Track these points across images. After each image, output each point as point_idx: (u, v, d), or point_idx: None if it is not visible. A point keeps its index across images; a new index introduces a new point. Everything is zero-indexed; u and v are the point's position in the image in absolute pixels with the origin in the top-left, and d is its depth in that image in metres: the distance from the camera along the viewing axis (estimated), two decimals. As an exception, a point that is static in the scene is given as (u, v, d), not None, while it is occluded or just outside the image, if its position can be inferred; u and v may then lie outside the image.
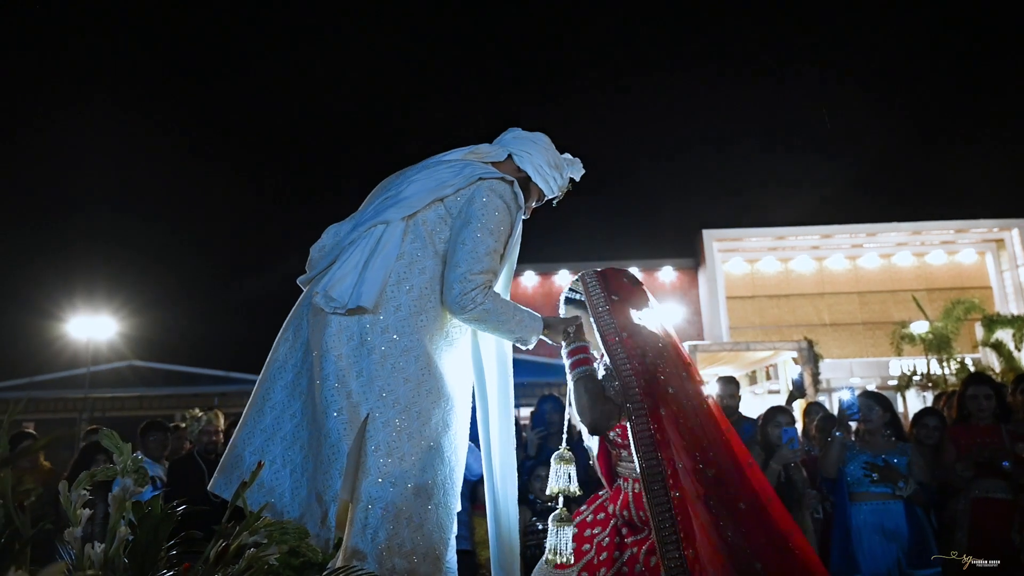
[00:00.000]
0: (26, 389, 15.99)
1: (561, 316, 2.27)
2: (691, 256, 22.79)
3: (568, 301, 2.26)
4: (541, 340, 2.19)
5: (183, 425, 5.61)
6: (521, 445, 4.73)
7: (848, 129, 52.96)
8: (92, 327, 17.55)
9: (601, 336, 2.05)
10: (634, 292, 2.17)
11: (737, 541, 1.81)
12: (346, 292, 1.92)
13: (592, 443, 2.22)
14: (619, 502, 2.12)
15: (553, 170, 2.27)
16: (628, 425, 1.95)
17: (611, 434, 2.11)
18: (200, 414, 5.22)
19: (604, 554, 2.04)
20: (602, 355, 2.13)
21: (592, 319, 2.10)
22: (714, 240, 21.88)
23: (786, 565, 1.83)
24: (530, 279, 21.36)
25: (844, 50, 56.15)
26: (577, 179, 2.39)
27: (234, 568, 1.44)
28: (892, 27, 54.12)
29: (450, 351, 2.05)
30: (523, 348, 2.14)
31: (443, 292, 1.99)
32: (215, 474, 1.98)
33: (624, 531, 2.08)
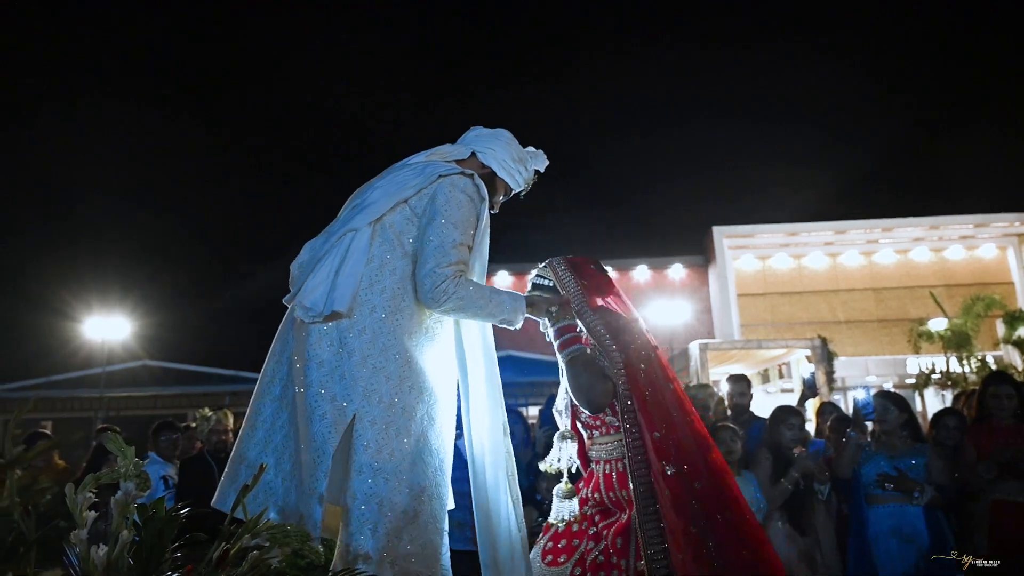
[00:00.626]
0: (42, 389, 16.13)
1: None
2: (701, 253, 22.70)
3: (536, 287, 2.33)
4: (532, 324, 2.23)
5: (194, 425, 5.63)
6: (530, 444, 4.69)
7: (862, 121, 52.52)
8: (106, 327, 17.70)
9: (578, 313, 2.16)
10: (600, 278, 2.27)
11: (698, 519, 1.88)
12: (320, 300, 2.00)
13: (566, 423, 2.28)
14: (591, 485, 2.17)
15: (517, 164, 2.34)
16: (614, 402, 2.04)
17: (583, 415, 2.18)
18: (210, 413, 5.23)
19: (591, 543, 2.10)
20: (583, 335, 2.21)
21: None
22: (724, 237, 21.76)
23: (742, 550, 1.89)
24: (504, 279, 21.29)
25: (858, 41, 55.69)
26: (541, 170, 2.45)
27: (237, 571, 1.43)
28: (906, 17, 53.61)
29: (431, 346, 2.10)
30: (511, 329, 2.18)
31: (416, 289, 2.05)
32: (217, 490, 2.03)
33: (597, 518, 2.12)
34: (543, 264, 2.33)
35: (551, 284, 2.28)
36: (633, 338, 2.10)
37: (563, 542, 2.11)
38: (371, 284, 2.03)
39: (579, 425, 2.26)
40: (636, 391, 2.00)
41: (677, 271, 22.58)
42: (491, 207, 2.33)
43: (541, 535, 2.20)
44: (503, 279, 21.30)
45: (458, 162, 2.26)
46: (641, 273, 22.26)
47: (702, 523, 1.87)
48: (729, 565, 1.84)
